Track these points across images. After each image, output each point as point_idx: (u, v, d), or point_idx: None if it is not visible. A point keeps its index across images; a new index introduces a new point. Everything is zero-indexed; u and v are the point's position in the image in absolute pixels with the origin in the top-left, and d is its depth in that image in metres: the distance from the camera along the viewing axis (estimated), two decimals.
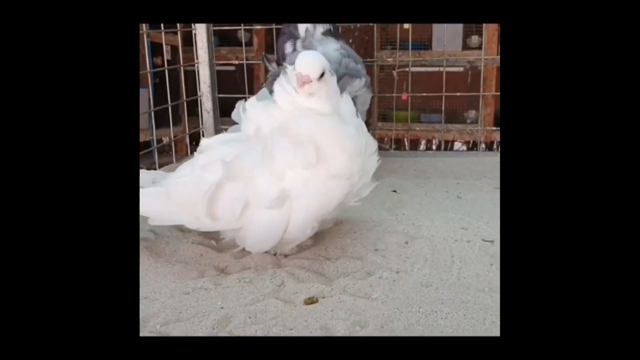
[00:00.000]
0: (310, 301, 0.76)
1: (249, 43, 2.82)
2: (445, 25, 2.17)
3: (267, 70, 1.31)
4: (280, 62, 1.22)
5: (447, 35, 2.35)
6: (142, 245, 0.95)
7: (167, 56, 2.47)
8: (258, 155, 0.82)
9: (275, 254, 0.90)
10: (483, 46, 2.69)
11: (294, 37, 1.18)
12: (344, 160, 0.81)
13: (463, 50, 2.79)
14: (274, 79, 1.19)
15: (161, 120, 1.53)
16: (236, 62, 2.22)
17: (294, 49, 1.18)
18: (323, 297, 0.77)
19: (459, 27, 2.79)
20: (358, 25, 2.25)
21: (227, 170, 0.82)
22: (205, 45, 1.48)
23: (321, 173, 0.81)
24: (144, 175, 0.98)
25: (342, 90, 1.13)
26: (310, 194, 0.82)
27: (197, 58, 1.51)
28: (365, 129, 0.87)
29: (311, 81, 0.80)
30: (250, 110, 0.88)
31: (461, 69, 2.82)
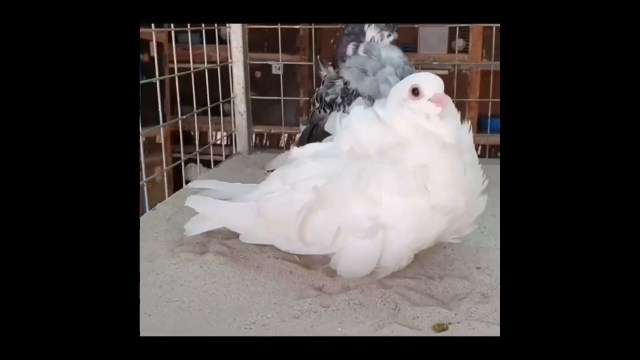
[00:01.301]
0: (441, 328, 0.72)
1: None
2: (431, 27, 2.17)
3: (311, 74, 1.26)
4: (336, 64, 1.17)
5: (432, 38, 2.34)
6: (222, 259, 0.89)
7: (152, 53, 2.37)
8: (354, 178, 0.76)
9: None
10: (469, 49, 2.72)
11: (359, 40, 1.13)
12: (451, 196, 0.75)
13: (448, 53, 2.80)
14: (331, 84, 1.15)
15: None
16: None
17: (356, 52, 1.14)
18: (450, 323, 0.73)
19: (444, 30, 2.79)
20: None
21: (319, 196, 0.77)
22: (240, 44, 1.40)
23: (421, 203, 0.75)
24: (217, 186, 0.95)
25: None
26: (407, 224, 0.75)
27: (230, 57, 1.43)
28: (478, 164, 0.80)
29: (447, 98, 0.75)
30: (355, 124, 0.81)
31: (446, 72, 2.83)
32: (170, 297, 0.80)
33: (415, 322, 0.74)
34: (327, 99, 1.14)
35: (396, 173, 0.74)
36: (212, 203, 0.92)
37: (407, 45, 2.78)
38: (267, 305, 0.78)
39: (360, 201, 0.76)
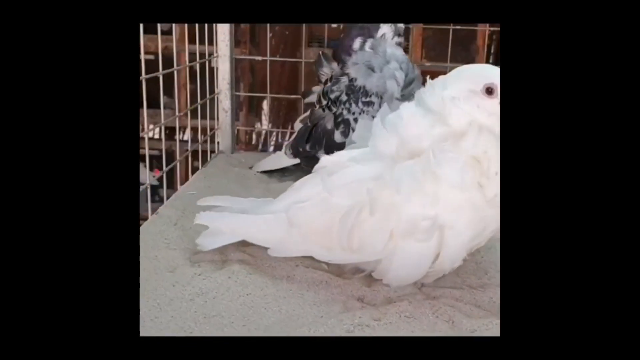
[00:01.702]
0: None
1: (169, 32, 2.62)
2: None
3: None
4: (340, 58, 1.13)
5: None
6: (248, 269, 0.84)
7: None
8: (407, 177, 0.72)
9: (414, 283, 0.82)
10: (410, 50, 2.75)
11: (370, 34, 1.11)
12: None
13: None
14: (336, 81, 1.11)
15: None
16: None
17: (363, 47, 1.11)
18: None
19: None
20: None
21: (371, 198, 0.73)
22: (227, 37, 1.32)
23: (477, 199, 0.72)
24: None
25: (410, 96, 1.09)
26: (465, 221, 0.72)
27: (216, 52, 1.34)
28: None
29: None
30: (404, 121, 0.77)
31: None
32: (207, 311, 0.73)
33: (475, 335, 0.71)
34: (332, 96, 1.10)
35: (454, 165, 0.71)
36: (229, 217, 0.86)
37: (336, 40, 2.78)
38: (315, 320, 0.73)
39: (416, 201, 0.72)
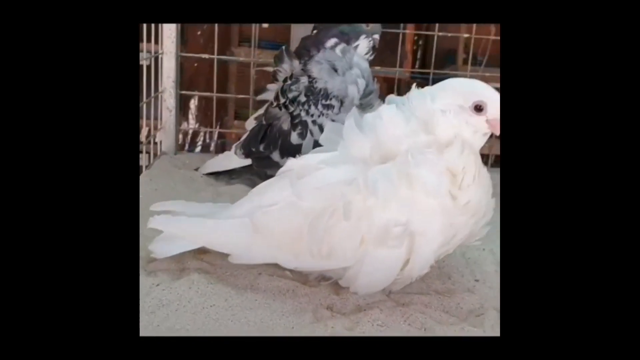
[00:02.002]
0: None
1: None
2: (302, 26, 2.18)
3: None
4: (303, 53, 1.10)
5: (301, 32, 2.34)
6: (209, 278, 0.80)
7: None
8: (383, 181, 0.71)
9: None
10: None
11: (346, 41, 1.09)
12: (478, 196, 0.74)
13: None
14: (296, 80, 1.07)
15: None
16: None
17: (334, 48, 1.09)
18: None
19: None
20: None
21: (345, 202, 0.71)
22: (174, 33, 1.26)
23: (449, 205, 0.72)
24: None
25: (368, 106, 1.08)
26: (436, 228, 0.72)
27: (161, 48, 1.27)
28: None
29: None
30: (385, 122, 0.75)
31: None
32: (171, 325, 0.69)
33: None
34: (290, 95, 1.07)
35: (434, 168, 0.71)
36: (187, 222, 0.81)
37: (280, 44, 2.75)
38: (286, 331, 0.70)
39: (389, 206, 0.71)
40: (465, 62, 2.52)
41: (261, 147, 1.10)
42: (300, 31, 2.68)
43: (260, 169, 1.11)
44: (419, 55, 2.77)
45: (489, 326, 0.73)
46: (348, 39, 1.10)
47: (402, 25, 2.37)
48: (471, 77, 2.27)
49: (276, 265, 0.81)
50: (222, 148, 2.61)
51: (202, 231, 0.81)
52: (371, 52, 1.12)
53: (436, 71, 2.44)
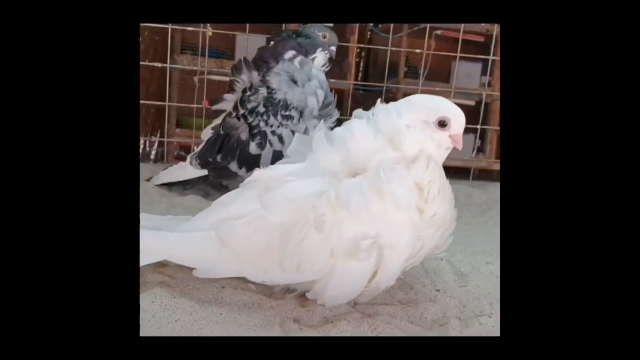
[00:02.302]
0: None
1: None
2: (247, 35, 2.18)
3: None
4: (261, 64, 1.09)
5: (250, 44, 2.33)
6: (172, 292, 0.78)
7: None
8: (355, 194, 0.71)
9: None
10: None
11: (304, 53, 1.08)
12: (444, 209, 0.76)
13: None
14: (255, 91, 1.06)
15: None
16: None
17: (292, 60, 1.08)
18: None
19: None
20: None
21: (317, 216, 0.70)
22: None
23: (416, 218, 0.74)
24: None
25: (327, 117, 1.09)
26: (405, 241, 0.73)
27: None
28: None
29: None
30: (356, 137, 0.76)
31: None
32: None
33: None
34: (249, 106, 1.06)
35: (405, 183, 0.72)
36: (148, 235, 0.78)
37: (223, 52, 2.73)
38: None
39: (361, 219, 0.71)
40: (406, 74, 2.58)
41: (218, 157, 1.08)
42: (244, 40, 2.68)
43: (217, 180, 1.09)
44: (361, 68, 2.82)
45: (453, 335, 0.74)
46: (306, 51, 1.10)
47: (346, 38, 2.42)
48: (411, 89, 2.32)
49: (240, 278, 0.80)
50: (161, 157, 2.55)
51: (166, 244, 0.78)
52: (328, 64, 1.13)
53: (378, 84, 2.50)
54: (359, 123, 0.77)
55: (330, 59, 1.13)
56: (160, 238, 0.78)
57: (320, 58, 1.11)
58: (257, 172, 0.79)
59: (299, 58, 1.09)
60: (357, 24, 2.45)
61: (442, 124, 0.74)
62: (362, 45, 2.61)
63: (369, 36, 2.73)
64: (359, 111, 0.80)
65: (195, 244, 0.77)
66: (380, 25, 2.76)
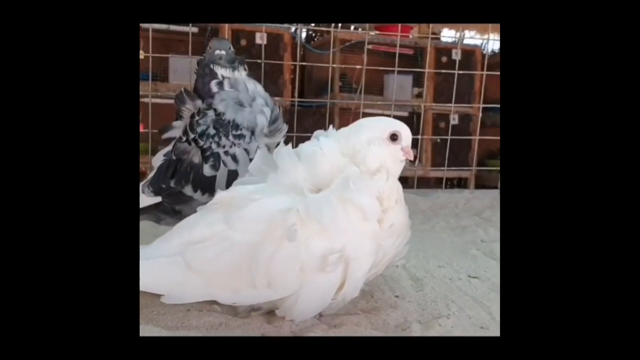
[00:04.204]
0: None
1: None
2: (180, 57, 2.18)
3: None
4: (203, 98, 1.10)
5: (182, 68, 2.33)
6: (140, 319, 0.75)
7: None
8: (322, 210, 0.73)
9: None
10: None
11: (215, 77, 1.10)
12: (404, 218, 0.81)
13: None
14: (203, 114, 1.07)
15: None
16: None
17: (221, 87, 1.10)
18: None
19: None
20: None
21: (289, 232, 0.72)
22: None
23: (377, 230, 0.77)
24: None
25: (277, 131, 1.11)
26: (367, 252, 0.76)
27: None
28: None
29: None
30: (322, 155, 0.79)
31: None
32: None
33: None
34: (199, 129, 1.06)
35: (372, 193, 0.75)
36: None
37: (158, 74, 2.71)
38: None
39: (329, 232, 0.73)
40: (341, 89, 2.63)
41: (172, 183, 1.07)
42: (178, 62, 2.66)
43: (172, 205, 1.08)
44: (296, 85, 2.85)
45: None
46: (212, 75, 1.11)
47: (279, 55, 2.45)
48: (347, 104, 2.36)
49: (203, 301, 0.80)
50: None
51: (148, 273, 0.75)
52: (236, 68, 1.13)
53: (314, 100, 2.54)
54: (328, 141, 0.80)
55: (231, 67, 1.13)
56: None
57: (225, 72, 1.11)
58: (219, 195, 0.80)
59: (226, 81, 1.10)
60: (290, 43, 2.49)
61: (394, 137, 0.79)
62: (295, 63, 2.64)
63: (302, 53, 2.78)
64: (320, 132, 0.84)
65: (161, 270, 0.77)
66: (312, 42, 2.81)
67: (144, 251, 0.80)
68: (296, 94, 2.62)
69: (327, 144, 0.80)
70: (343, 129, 0.83)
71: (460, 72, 2.08)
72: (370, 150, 0.78)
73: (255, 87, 1.12)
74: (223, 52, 1.14)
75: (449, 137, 2.04)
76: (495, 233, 1.43)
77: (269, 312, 0.80)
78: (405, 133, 0.81)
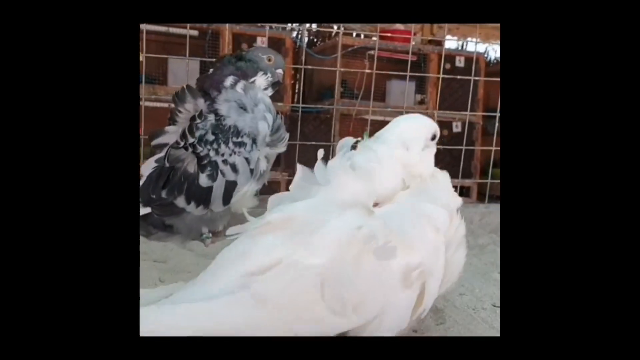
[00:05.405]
0: None
1: None
2: (179, 59, 2.16)
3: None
4: (208, 93, 1.07)
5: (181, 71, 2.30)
6: None
7: None
8: (407, 224, 0.70)
9: None
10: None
11: (244, 77, 1.06)
12: (463, 227, 0.78)
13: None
14: (204, 118, 1.02)
15: None
16: None
17: (234, 86, 1.06)
18: None
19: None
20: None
21: (384, 246, 0.67)
22: None
23: (444, 243, 0.73)
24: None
25: (279, 141, 1.08)
26: (440, 265, 0.72)
27: None
28: None
29: None
30: (386, 163, 0.76)
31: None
32: None
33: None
34: (198, 134, 1.02)
35: (442, 212, 0.74)
36: (173, 311, 0.63)
37: (156, 78, 2.67)
38: None
39: (410, 247, 0.69)
40: (342, 95, 2.60)
41: (163, 193, 1.02)
42: (177, 65, 2.63)
43: (162, 217, 1.03)
44: (297, 89, 2.82)
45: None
46: (244, 75, 1.08)
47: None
48: (348, 110, 2.33)
49: None
50: None
51: (197, 317, 0.63)
52: (271, 88, 1.12)
53: (317, 106, 2.50)
54: (382, 152, 0.77)
55: (277, 83, 1.12)
56: (188, 312, 0.63)
57: (260, 81, 1.09)
58: (270, 216, 0.70)
59: (241, 83, 1.07)
60: (291, 48, 2.46)
61: (433, 137, 0.80)
62: (297, 66, 2.61)
63: (303, 58, 2.74)
64: (348, 139, 0.81)
65: (227, 311, 0.63)
66: (314, 47, 2.78)
67: (192, 292, 0.67)
68: (300, 99, 2.59)
69: (383, 155, 0.76)
70: (383, 133, 0.80)
71: (465, 77, 2.04)
72: (425, 156, 0.79)
73: (262, 96, 1.09)
74: (281, 73, 1.11)
75: (448, 147, 2.01)
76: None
77: None
78: (437, 131, 0.82)
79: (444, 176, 0.81)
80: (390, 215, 0.71)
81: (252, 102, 1.06)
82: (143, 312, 0.60)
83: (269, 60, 1.10)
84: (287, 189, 0.76)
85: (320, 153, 0.76)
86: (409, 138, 0.79)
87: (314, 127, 2.48)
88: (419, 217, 0.72)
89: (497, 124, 2.25)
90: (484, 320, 0.88)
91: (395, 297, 0.68)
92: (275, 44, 2.42)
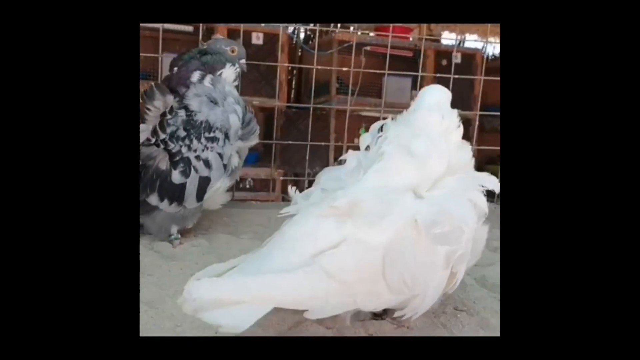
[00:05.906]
0: None
1: None
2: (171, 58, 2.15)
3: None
4: (175, 90, 1.06)
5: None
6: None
7: None
8: (461, 207, 0.76)
9: None
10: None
11: (210, 71, 1.05)
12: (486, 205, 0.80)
13: None
14: (175, 114, 1.01)
15: None
16: None
17: (201, 81, 1.05)
18: None
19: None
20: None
21: (442, 232, 0.71)
22: None
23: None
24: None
25: (251, 134, 1.07)
26: (469, 248, 0.76)
27: None
28: None
29: None
30: (438, 144, 0.81)
31: None
32: None
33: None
34: (169, 130, 1.01)
35: (485, 199, 0.78)
36: (252, 282, 0.65)
37: (149, 74, 2.66)
38: None
39: (462, 235, 0.74)
40: (338, 91, 2.59)
41: None
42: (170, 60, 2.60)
43: None
44: (293, 85, 2.81)
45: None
46: (212, 69, 1.07)
47: (275, 56, 2.40)
48: (344, 106, 2.33)
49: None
50: None
51: (275, 288, 0.66)
52: (237, 79, 1.11)
53: (315, 105, 2.49)
54: (430, 135, 0.81)
55: (241, 72, 1.11)
56: (266, 283, 0.66)
57: (229, 73, 1.08)
58: (336, 202, 0.72)
59: (209, 77, 1.06)
60: (287, 44, 2.44)
61: None
62: (293, 65, 2.60)
63: (299, 54, 2.73)
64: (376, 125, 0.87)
65: (302, 283, 0.67)
66: (310, 43, 2.76)
67: (261, 264, 0.69)
68: (292, 96, 2.58)
69: (433, 139, 0.81)
70: (417, 107, 0.86)
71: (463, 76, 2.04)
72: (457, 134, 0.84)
73: (230, 89, 1.08)
74: (244, 64, 1.11)
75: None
76: (488, 254, 1.12)
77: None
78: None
79: (467, 148, 0.85)
80: (447, 202, 0.75)
81: (222, 95, 1.05)
82: (221, 281, 0.64)
83: (232, 51, 1.09)
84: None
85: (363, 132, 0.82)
86: (441, 106, 0.83)
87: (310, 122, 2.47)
88: (469, 204, 0.76)
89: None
90: (443, 325, 0.84)
91: (436, 275, 0.73)
92: (270, 39, 2.41)
